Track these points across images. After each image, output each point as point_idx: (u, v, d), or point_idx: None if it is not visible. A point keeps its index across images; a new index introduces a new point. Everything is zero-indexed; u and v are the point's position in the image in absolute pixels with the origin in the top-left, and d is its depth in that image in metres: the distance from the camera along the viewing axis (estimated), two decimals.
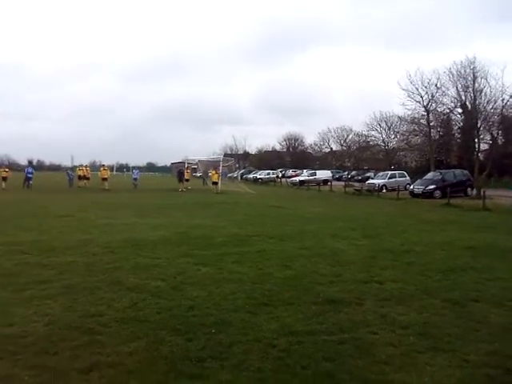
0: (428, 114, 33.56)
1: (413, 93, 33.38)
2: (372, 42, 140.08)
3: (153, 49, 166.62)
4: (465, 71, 29.46)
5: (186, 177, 33.47)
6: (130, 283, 5.86)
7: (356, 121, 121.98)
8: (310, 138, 78.79)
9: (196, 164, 41.48)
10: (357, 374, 3.44)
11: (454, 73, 30.08)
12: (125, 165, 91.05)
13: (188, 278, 6.19)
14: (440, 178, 27.09)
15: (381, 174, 35.82)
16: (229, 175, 39.96)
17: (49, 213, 14.38)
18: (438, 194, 25.45)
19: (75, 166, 36.95)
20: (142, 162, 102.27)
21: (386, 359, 3.69)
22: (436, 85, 31.94)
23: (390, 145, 44.97)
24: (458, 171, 28.68)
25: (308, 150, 68.60)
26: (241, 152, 76.49)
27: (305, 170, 49.17)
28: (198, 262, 7.21)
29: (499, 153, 30.71)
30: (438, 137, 37.90)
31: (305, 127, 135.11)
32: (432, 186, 26.23)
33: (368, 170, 45.71)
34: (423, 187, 26.64)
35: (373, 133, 45.54)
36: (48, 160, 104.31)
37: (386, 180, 32.86)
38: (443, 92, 31.80)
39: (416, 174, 35.23)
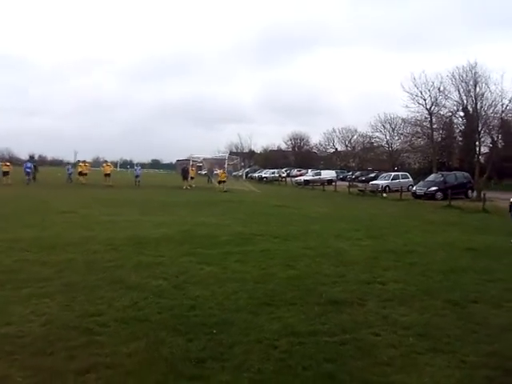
0: (431, 117, 33.57)
1: (416, 95, 33.46)
2: (374, 44, 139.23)
3: (156, 48, 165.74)
4: (466, 76, 29.74)
5: (191, 174, 33.34)
6: (132, 282, 5.81)
7: (360, 122, 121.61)
8: (315, 138, 78.58)
9: (201, 162, 41.49)
10: (358, 375, 3.42)
11: (457, 77, 30.28)
12: (129, 161, 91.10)
13: (190, 277, 6.15)
14: (442, 179, 27.33)
15: (384, 175, 35.86)
16: (234, 173, 39.98)
17: (51, 209, 14.28)
18: (439, 195, 25.65)
19: (78, 162, 36.60)
20: (147, 159, 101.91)
21: (387, 360, 3.68)
22: (439, 88, 31.97)
23: (394, 146, 45.01)
24: (459, 173, 28.99)
25: (313, 150, 68.62)
26: (246, 151, 76.48)
27: (310, 170, 49.18)
28: (201, 261, 7.17)
29: (499, 156, 31.14)
30: (440, 139, 38.09)
31: (309, 127, 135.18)
32: (434, 188, 26.42)
33: (372, 171, 45.65)
34: (425, 189, 26.81)
35: (377, 134, 45.81)
36: (50, 155, 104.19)
37: (389, 181, 32.91)
38: (446, 95, 31.88)
39: (419, 175, 35.30)
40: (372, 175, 41.71)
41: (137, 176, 32.70)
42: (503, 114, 28.13)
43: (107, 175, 30.27)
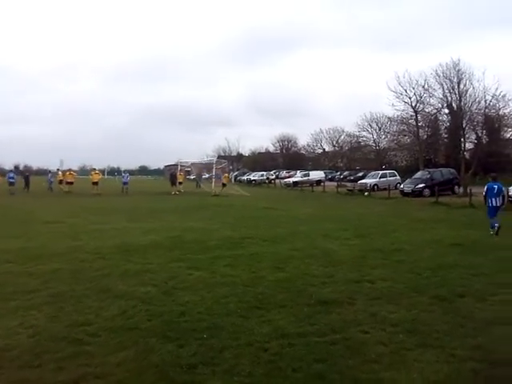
0: (416, 115, 33.92)
1: (401, 94, 33.70)
2: (361, 44, 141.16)
3: (140, 51, 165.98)
4: (450, 73, 29.96)
5: (179, 179, 33.19)
6: (120, 290, 5.77)
7: (348, 122, 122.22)
8: (303, 139, 79.03)
9: (189, 167, 41.34)
10: (348, 373, 3.45)
11: (440, 74, 30.47)
12: (116, 168, 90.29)
13: (180, 283, 6.14)
14: (428, 176, 27.59)
15: (372, 173, 36.16)
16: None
17: (36, 219, 14.07)
18: (427, 192, 25.95)
19: (58, 170, 35.75)
20: (135, 165, 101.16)
21: (376, 358, 3.73)
22: (423, 86, 32.33)
23: (381, 145, 45.41)
24: (445, 170, 29.33)
25: (301, 151, 68.86)
26: (234, 154, 76.40)
27: (298, 171, 49.30)
28: (190, 266, 7.15)
29: (484, 152, 31.58)
30: (426, 137, 38.51)
31: (297, 129, 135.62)
32: (421, 185, 26.70)
33: (360, 170, 46.00)
34: (413, 186, 27.07)
35: (364, 133, 46.00)
36: (36, 164, 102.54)
37: (377, 179, 33.20)
38: (430, 93, 32.23)
39: (406, 173, 35.66)
40: (360, 174, 42.05)
41: (125, 183, 32.28)
42: (487, 110, 28.51)
43: (95, 183, 29.85)
